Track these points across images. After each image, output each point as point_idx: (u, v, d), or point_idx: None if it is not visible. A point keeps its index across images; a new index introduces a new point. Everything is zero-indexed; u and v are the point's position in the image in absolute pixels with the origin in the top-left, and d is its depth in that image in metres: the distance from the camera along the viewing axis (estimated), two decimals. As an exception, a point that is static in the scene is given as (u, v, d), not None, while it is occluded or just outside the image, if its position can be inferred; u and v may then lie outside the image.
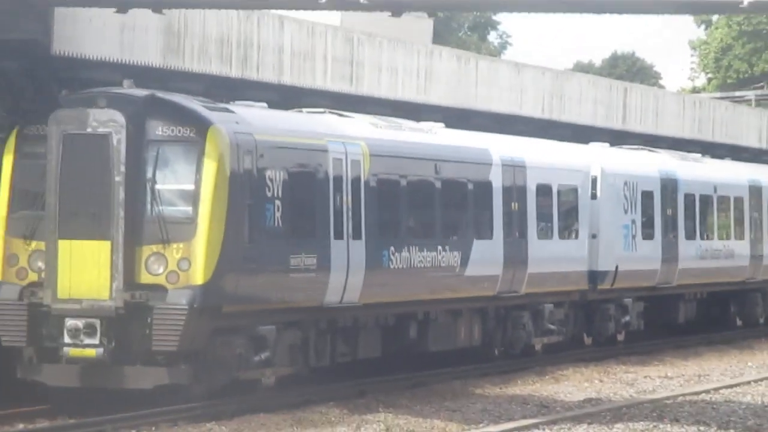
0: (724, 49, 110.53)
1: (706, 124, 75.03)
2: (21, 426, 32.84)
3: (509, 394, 39.90)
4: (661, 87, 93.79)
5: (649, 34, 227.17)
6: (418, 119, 44.02)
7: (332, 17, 48.70)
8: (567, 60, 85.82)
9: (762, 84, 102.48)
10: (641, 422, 34.55)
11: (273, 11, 45.36)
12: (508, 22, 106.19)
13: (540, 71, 64.33)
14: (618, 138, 59.99)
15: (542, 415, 35.30)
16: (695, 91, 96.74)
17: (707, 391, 41.80)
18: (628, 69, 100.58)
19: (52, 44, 38.40)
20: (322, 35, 48.79)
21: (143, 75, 41.12)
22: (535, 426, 33.23)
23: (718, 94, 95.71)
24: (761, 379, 45.42)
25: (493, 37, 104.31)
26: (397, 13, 36.17)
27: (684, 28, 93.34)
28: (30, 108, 41.21)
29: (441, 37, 63.46)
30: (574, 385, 42.81)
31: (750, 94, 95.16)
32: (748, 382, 44.77)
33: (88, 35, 39.89)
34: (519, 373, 43.98)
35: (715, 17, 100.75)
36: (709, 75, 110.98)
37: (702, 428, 34.61)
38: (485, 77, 58.97)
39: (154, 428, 32.73)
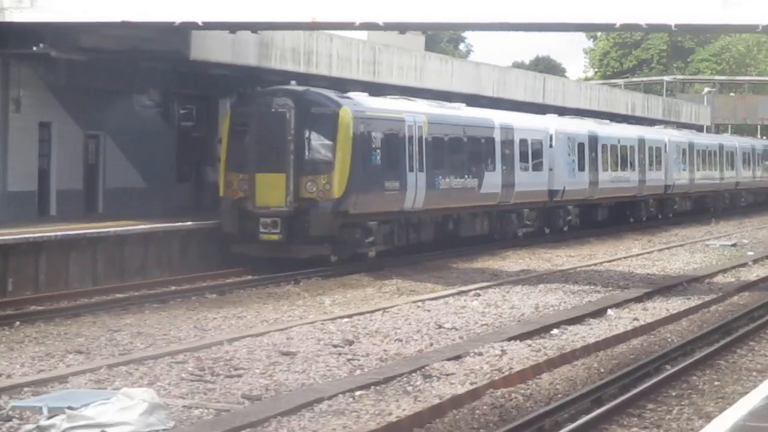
0: (604, 54, 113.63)
1: (594, 100, 75.77)
2: (230, 280, 35.05)
3: (474, 267, 39.50)
4: (566, 77, 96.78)
5: (558, 43, 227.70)
6: (413, 98, 44.24)
7: (362, 35, 47.41)
8: (507, 60, 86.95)
9: (627, 75, 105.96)
10: (555, 283, 35.00)
11: (325, 31, 45.07)
12: (471, 37, 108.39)
13: (491, 67, 64.89)
14: (540, 109, 60.16)
15: (494, 280, 35.46)
16: (587, 79, 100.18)
17: (595, 264, 41.75)
18: (545, 66, 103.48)
19: (190, 53, 39.38)
20: (356, 46, 49.08)
21: (247, 72, 44.00)
22: (489, 287, 33.55)
23: (601, 82, 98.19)
24: (626, 257, 45.26)
25: (462, 46, 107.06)
26: (402, 31, 38.24)
27: (580, 40, 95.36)
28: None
29: (429, 47, 65.79)
30: (513, 261, 42.08)
31: (620, 81, 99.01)
32: (620, 258, 44.81)
33: (212, 47, 40.42)
34: (479, 255, 43.19)
35: (598, 33, 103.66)
36: (595, 70, 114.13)
37: (592, 286, 34.95)
38: (457, 71, 58.89)
39: (303, 280, 35.20)
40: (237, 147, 37.30)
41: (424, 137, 41.51)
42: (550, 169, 52.06)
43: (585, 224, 57.36)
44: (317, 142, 37.12)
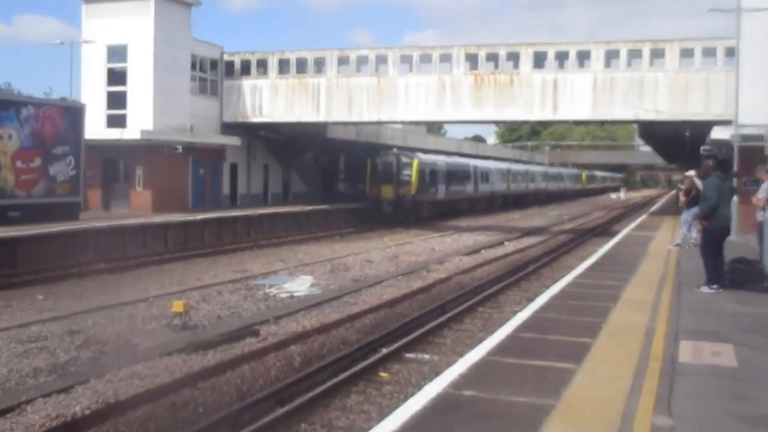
0: (502, 132, 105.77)
1: (500, 153, 70.69)
2: (345, 231, 31.66)
3: (448, 224, 36.13)
4: (486, 143, 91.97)
5: (483, 129, 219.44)
6: (424, 153, 40.17)
7: (399, 125, 43.29)
8: (461, 136, 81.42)
9: (513, 141, 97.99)
10: (482, 231, 31.93)
11: (383, 124, 40.48)
12: (447, 126, 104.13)
13: (455, 140, 60.25)
14: (475, 156, 53.79)
15: (455, 230, 32.79)
16: (496, 144, 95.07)
17: (500, 223, 37.85)
18: (478, 139, 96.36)
19: (327, 134, 37.76)
20: (396, 130, 45.69)
21: (350, 143, 40.25)
22: (453, 233, 31.04)
23: (501, 145, 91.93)
24: (512, 219, 41.31)
25: (442, 130, 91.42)
26: (415, 124, 37.36)
27: (492, 127, 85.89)
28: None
29: (429, 131, 56.53)
30: (464, 222, 37.67)
31: (510, 144, 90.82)
32: (512, 220, 41.05)
33: (335, 130, 38.36)
34: (450, 219, 39.12)
35: (500, 125, 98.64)
36: (498, 140, 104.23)
37: (499, 232, 32.23)
38: (440, 142, 57.12)
39: (377, 230, 32.34)
40: (373, 174, 36.51)
41: (444, 170, 40.71)
42: (492, 182, 50.13)
43: (505, 205, 53.76)
44: (404, 173, 36.40)
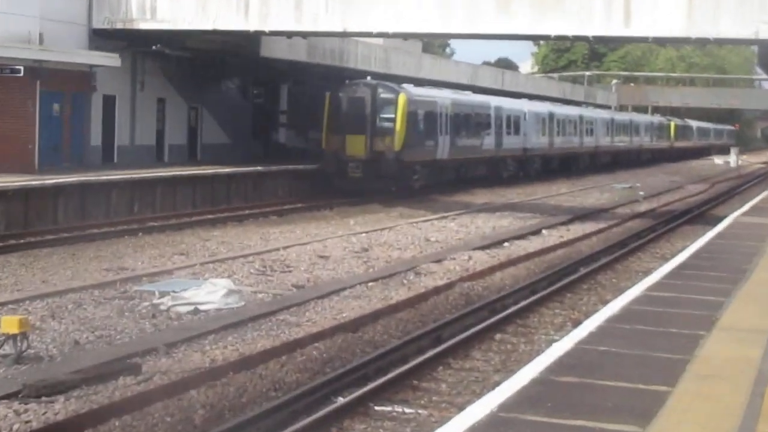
0: (544, 56, 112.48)
1: (536, 87, 74.95)
2: (287, 206, 33.88)
3: (453, 200, 38.77)
4: (519, 72, 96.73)
5: (515, 49, 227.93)
6: (417, 85, 42.92)
7: (378, 40, 45.57)
8: (479, 60, 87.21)
9: (560, 71, 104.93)
10: (507, 211, 34.58)
11: (353, 38, 43.91)
12: (454, 43, 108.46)
13: (467, 65, 64.84)
14: (499, 93, 58.53)
15: (465, 209, 34.89)
16: (533, 74, 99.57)
17: (535, 199, 41.06)
18: (505, 65, 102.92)
19: (260, 52, 39.17)
20: (374, 49, 48.46)
21: (299, 65, 43.18)
22: (462, 214, 33.10)
23: (541, 75, 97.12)
24: (557, 195, 44.35)
25: (448, 50, 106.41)
26: (405, 39, 40.48)
27: (528, 46, 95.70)
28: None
29: (425, 50, 66.19)
30: (479, 197, 40.76)
31: (555, 75, 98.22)
32: (552, 195, 43.89)
33: (275, 47, 39.93)
34: (457, 192, 41.80)
35: (541, 42, 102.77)
36: (538, 67, 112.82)
37: (533, 213, 34.40)
38: (444, 67, 59.25)
39: (336, 207, 34.42)
40: (334, 118, 38.12)
41: (449, 113, 42.41)
42: (524, 134, 52.35)
43: (546, 170, 57.24)
44: (384, 115, 37.93)
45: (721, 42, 33.48)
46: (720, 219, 27.14)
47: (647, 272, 18.43)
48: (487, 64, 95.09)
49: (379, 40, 46.37)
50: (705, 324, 10.79)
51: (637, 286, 13.79)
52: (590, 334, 10.20)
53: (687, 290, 13.24)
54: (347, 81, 40.57)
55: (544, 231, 28.95)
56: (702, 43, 31.72)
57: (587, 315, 14.75)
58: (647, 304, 12.15)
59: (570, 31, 30.55)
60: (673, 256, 19.92)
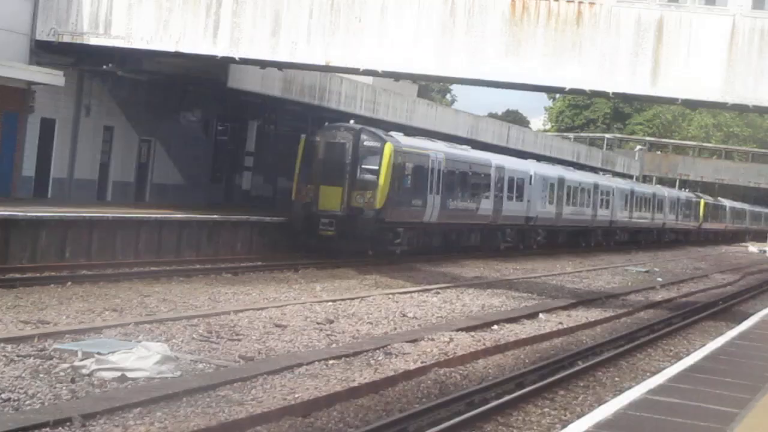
0: (560, 112, 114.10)
1: (546, 147, 76.52)
2: (244, 264, 34.26)
3: (438, 271, 39.38)
4: (529, 128, 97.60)
5: (526, 101, 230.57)
6: (407, 134, 44.24)
7: (367, 79, 47.35)
8: (485, 111, 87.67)
9: (577, 131, 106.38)
10: (500, 288, 34.84)
11: (337, 74, 45.42)
12: (456, 89, 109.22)
13: (467, 114, 66.48)
14: (503, 151, 60.86)
15: (452, 283, 35.25)
16: (545, 131, 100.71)
17: (535, 277, 41.43)
18: (513, 118, 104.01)
19: (228, 82, 40.16)
20: (360, 88, 49.80)
21: (272, 101, 45.02)
22: (448, 287, 33.41)
23: (555, 134, 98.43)
24: (561, 273, 44.78)
25: (448, 96, 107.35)
26: (396, 79, 38.88)
27: (542, 98, 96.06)
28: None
29: (421, 95, 66.85)
30: (470, 269, 41.58)
31: (570, 135, 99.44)
32: (555, 274, 44.26)
33: (245, 78, 40.97)
34: (444, 261, 42.91)
35: (556, 95, 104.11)
36: (552, 124, 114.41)
37: (530, 294, 34.60)
38: (440, 115, 60.04)
39: (302, 269, 34.63)
40: (307, 166, 38.95)
41: (442, 169, 43.53)
42: (528, 201, 53.27)
43: (551, 244, 58.32)
44: (366, 166, 38.87)
45: (761, 111, 33.74)
46: (747, 316, 27.10)
47: (655, 372, 18.50)
48: (492, 116, 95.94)
49: (368, 79, 47.13)
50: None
51: (637, 388, 13.79)
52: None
53: (696, 397, 13.20)
54: (326, 123, 40.94)
55: (541, 315, 29.04)
56: (739, 109, 31.86)
57: (580, 416, 14.53)
58: (646, 410, 12.08)
59: (587, 83, 31.00)
60: (686, 354, 20.03)
